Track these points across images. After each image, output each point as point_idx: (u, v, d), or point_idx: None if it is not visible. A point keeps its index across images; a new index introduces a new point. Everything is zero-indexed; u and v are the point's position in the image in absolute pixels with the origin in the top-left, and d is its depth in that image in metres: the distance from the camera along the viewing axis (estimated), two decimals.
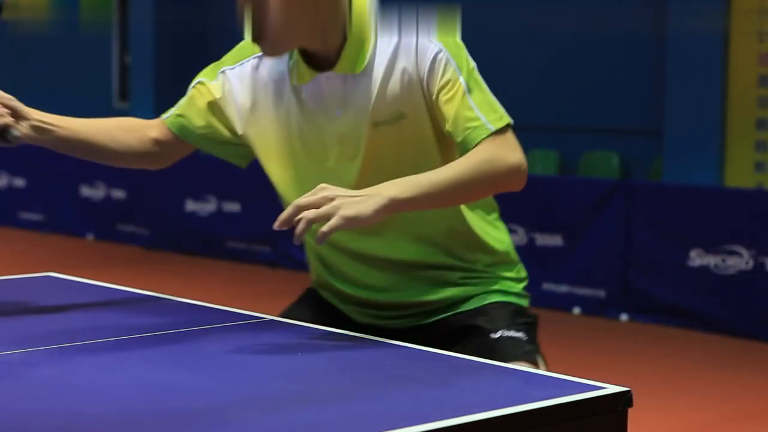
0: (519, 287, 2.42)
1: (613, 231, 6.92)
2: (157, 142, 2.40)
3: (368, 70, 2.16)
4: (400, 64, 2.16)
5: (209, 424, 1.58)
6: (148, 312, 2.48)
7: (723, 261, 6.46)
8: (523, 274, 2.45)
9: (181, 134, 2.39)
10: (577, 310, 6.94)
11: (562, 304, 7.00)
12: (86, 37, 12.03)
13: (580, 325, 6.84)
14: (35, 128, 2.25)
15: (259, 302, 6.59)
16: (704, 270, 6.54)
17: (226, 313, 2.42)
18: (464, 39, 2.27)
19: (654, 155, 8.04)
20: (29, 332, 2.20)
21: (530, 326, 2.35)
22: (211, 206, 9.09)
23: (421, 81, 2.15)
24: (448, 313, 2.37)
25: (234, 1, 2.13)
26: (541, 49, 8.55)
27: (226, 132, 2.35)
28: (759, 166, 7.65)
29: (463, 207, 2.31)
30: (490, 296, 2.37)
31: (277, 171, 2.31)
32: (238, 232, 8.89)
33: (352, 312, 2.42)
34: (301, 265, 8.37)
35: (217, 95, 2.34)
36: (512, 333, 2.28)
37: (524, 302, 2.41)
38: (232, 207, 8.95)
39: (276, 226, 1.96)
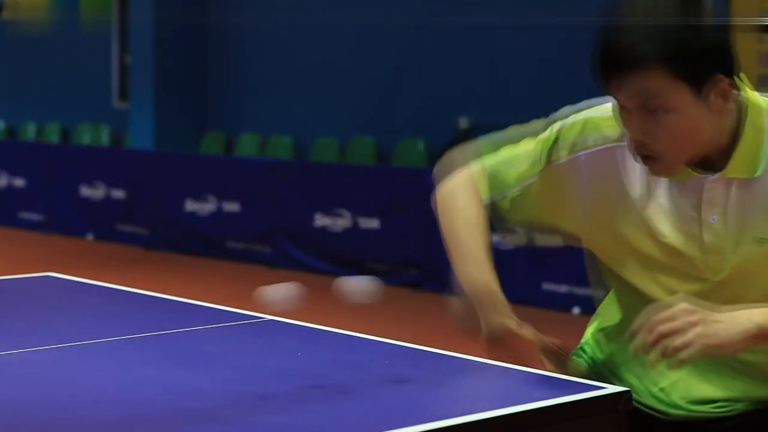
0: None
1: None
2: None
3: (763, 176, 1.87)
4: None
5: (209, 424, 1.58)
6: (148, 312, 2.48)
7: None
8: None
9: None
10: (576, 310, 6.93)
11: (562, 304, 7.00)
12: (86, 37, 12.03)
13: (580, 325, 6.81)
14: None
15: (258, 302, 6.58)
16: None
17: (226, 313, 2.41)
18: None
19: None
20: (29, 332, 2.20)
21: None
22: (211, 206, 9.09)
23: None
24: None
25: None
26: (537, 49, 8.55)
27: (559, 220, 2.09)
28: None
29: None
30: None
31: (625, 266, 2.03)
32: (237, 232, 8.88)
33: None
34: (300, 265, 8.37)
35: (555, 186, 2.04)
36: None
37: None
38: (232, 207, 8.95)
39: (633, 351, 1.77)
